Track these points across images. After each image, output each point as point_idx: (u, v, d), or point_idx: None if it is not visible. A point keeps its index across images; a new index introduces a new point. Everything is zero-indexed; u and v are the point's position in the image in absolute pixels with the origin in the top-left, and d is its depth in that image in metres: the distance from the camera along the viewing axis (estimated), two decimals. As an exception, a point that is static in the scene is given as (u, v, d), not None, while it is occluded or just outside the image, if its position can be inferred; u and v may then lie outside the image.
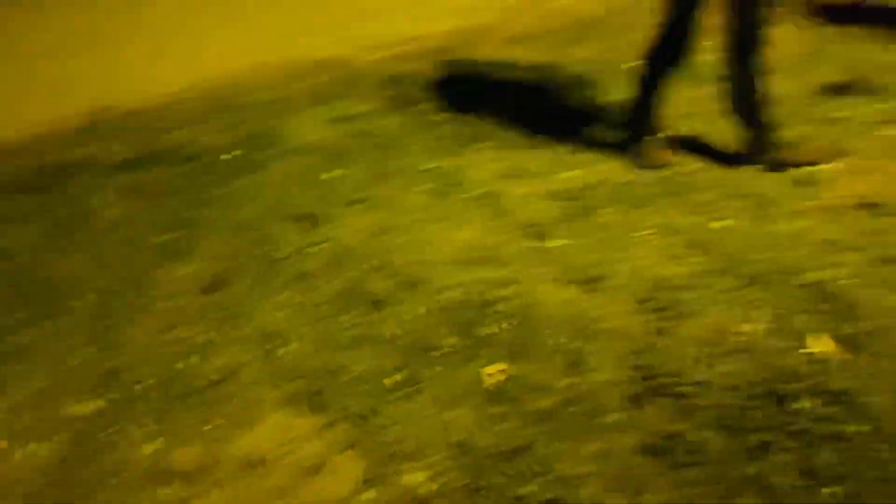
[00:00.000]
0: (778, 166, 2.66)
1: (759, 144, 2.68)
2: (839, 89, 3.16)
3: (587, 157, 2.99)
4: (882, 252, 2.22)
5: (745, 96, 2.63)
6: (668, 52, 2.64)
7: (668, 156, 2.84)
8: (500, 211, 2.77)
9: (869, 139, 2.80)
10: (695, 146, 2.89)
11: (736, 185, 2.64)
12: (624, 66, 3.29)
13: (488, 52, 4.24)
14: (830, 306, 2.03)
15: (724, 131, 2.78)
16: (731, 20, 2.53)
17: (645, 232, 2.50)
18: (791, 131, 2.87)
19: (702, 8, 2.54)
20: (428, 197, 2.95)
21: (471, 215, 2.78)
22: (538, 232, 2.60)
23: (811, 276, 2.15)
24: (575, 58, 3.88)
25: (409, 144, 3.36)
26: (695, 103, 3.07)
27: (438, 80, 3.98)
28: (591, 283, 2.29)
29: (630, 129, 2.88)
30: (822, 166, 2.64)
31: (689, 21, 2.56)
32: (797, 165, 2.63)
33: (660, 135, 2.89)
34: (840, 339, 1.92)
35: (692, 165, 2.79)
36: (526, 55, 4.07)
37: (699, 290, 2.16)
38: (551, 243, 2.53)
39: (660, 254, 2.38)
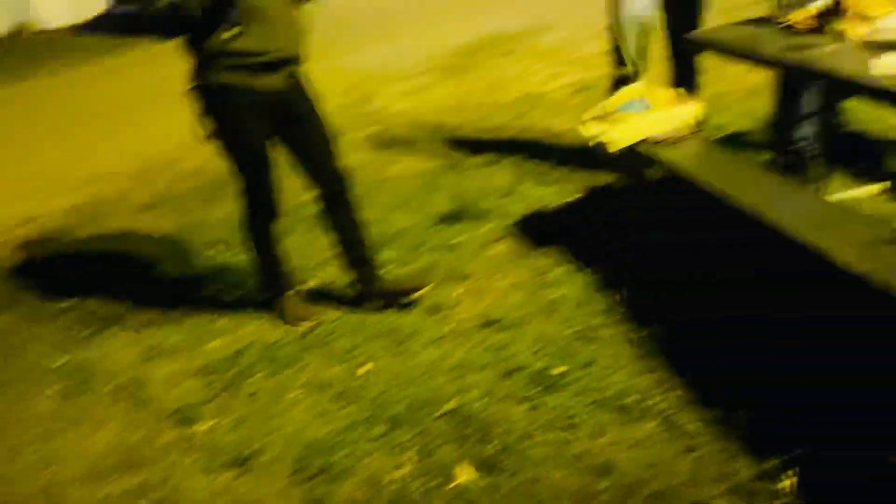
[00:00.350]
0: (394, 299, 2.79)
1: (370, 282, 2.82)
2: (452, 217, 3.50)
3: (231, 322, 2.90)
4: (505, 366, 2.43)
5: (346, 239, 2.77)
6: (257, 214, 2.70)
7: (310, 309, 2.87)
8: (141, 401, 2.55)
9: (481, 260, 3.12)
10: (333, 294, 2.97)
11: (375, 325, 2.74)
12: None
13: (117, 224, 4.00)
14: (470, 431, 2.15)
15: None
16: (309, 174, 2.68)
17: (295, 393, 2.46)
18: (417, 262, 3.10)
19: (270, 168, 2.61)
20: (56, 401, 2.63)
21: (109, 413, 2.52)
22: (185, 417, 2.43)
23: (449, 405, 2.27)
24: (211, 219, 3.83)
25: (30, 342, 2.99)
26: (325, 251, 3.17)
27: (61, 263, 3.65)
28: (243, 463, 2.18)
29: (267, 289, 2.87)
30: (447, 292, 2.87)
31: (263, 183, 2.63)
32: (406, 294, 2.79)
33: (298, 288, 2.92)
34: (480, 464, 2.02)
35: (334, 314, 2.84)
36: (158, 223, 3.92)
37: (349, 445, 2.16)
38: (199, 427, 2.38)
39: (310, 413, 2.35)
